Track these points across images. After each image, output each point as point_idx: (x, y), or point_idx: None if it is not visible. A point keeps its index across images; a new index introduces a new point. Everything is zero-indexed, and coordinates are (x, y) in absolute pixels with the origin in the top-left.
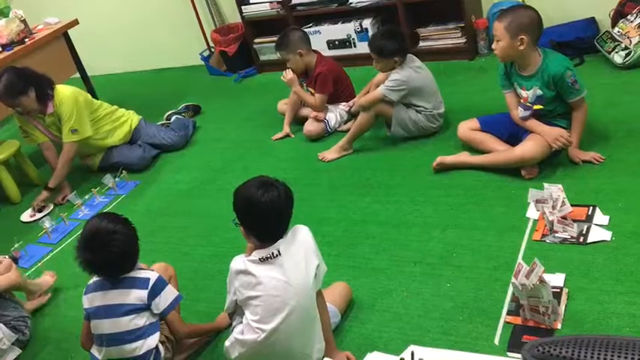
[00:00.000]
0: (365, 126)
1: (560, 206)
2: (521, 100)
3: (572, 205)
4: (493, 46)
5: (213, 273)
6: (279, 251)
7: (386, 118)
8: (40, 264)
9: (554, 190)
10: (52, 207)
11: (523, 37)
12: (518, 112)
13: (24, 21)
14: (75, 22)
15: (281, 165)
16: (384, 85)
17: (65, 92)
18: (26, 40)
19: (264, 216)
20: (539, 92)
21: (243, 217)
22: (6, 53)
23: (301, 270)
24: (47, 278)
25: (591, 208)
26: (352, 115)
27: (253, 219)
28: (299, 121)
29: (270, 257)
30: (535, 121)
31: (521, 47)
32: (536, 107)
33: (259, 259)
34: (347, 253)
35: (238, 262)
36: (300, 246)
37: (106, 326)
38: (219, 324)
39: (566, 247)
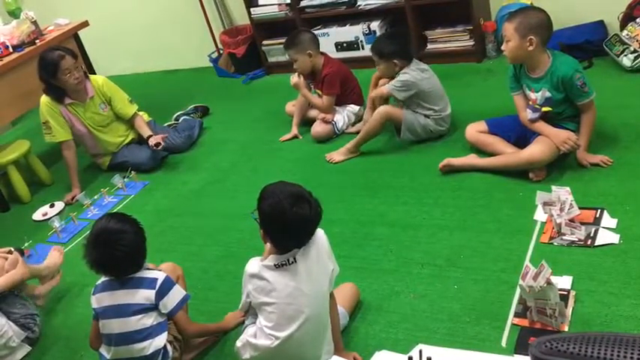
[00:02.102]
0: (373, 132)
1: (568, 209)
2: (530, 102)
3: (580, 208)
4: (502, 47)
5: (222, 273)
6: (295, 258)
7: (395, 123)
8: None
9: (562, 192)
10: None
11: (532, 37)
12: (527, 114)
13: (35, 22)
14: (85, 24)
15: (289, 166)
16: (391, 83)
17: (100, 77)
18: (37, 41)
19: (290, 230)
20: (548, 94)
21: (268, 224)
22: (17, 54)
23: (316, 277)
24: (55, 255)
25: (599, 210)
26: (360, 118)
27: (278, 230)
28: (307, 123)
29: (286, 264)
30: (543, 123)
31: (530, 48)
32: (544, 109)
33: (274, 264)
34: (354, 254)
35: (253, 266)
36: (316, 252)
37: (114, 326)
38: (227, 324)
39: (573, 250)
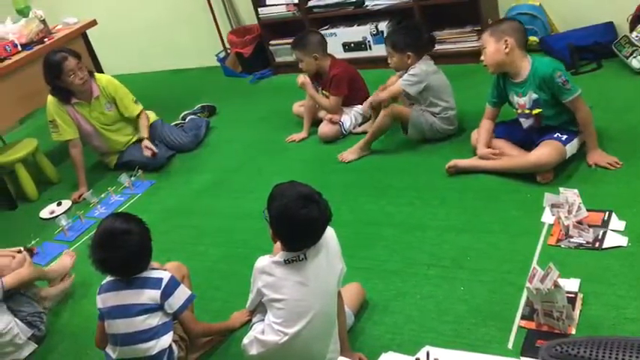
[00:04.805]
0: (383, 128)
1: (576, 211)
2: (519, 110)
3: (587, 210)
4: (482, 58)
5: (227, 272)
6: (305, 255)
7: (402, 120)
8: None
9: (570, 194)
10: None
11: (507, 39)
12: (522, 124)
13: (43, 21)
14: (93, 23)
15: (295, 166)
16: (403, 79)
17: (104, 76)
18: (45, 39)
19: (298, 231)
20: (535, 96)
21: (277, 225)
22: (26, 52)
23: (325, 275)
24: (66, 260)
25: (607, 213)
26: (367, 118)
27: (287, 231)
28: (314, 123)
29: (296, 260)
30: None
31: (507, 50)
32: (535, 112)
33: (284, 260)
34: (360, 254)
35: (263, 262)
36: (325, 250)
37: (119, 326)
38: (233, 323)
39: (581, 252)
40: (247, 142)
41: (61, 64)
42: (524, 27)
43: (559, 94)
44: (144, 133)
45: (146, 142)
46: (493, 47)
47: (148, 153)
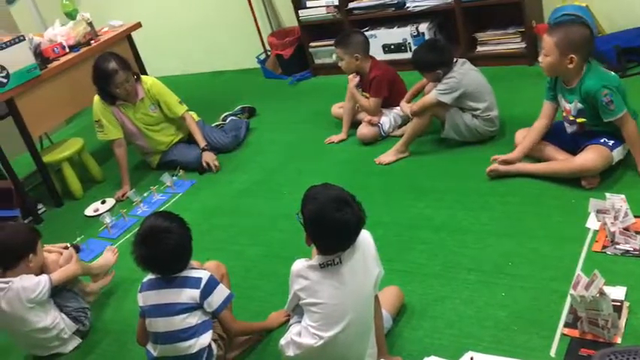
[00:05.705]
0: (421, 129)
1: (623, 217)
2: (565, 113)
3: (635, 217)
4: (540, 59)
5: (265, 272)
6: (340, 259)
7: (440, 118)
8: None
9: (617, 200)
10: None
11: (573, 56)
12: (566, 128)
13: (90, 24)
14: (138, 25)
15: (333, 167)
16: (436, 89)
17: (149, 78)
18: (92, 42)
19: (331, 234)
20: (580, 106)
21: (310, 227)
22: (73, 54)
23: (361, 279)
24: (108, 256)
25: None
26: (406, 120)
27: (320, 234)
28: (353, 124)
29: (331, 264)
30: None
31: (571, 66)
32: (579, 121)
33: (319, 264)
34: (399, 257)
35: (298, 266)
36: (361, 254)
37: (160, 325)
38: (271, 323)
39: (628, 260)
40: (286, 142)
41: (112, 77)
42: (592, 35)
43: (601, 112)
44: (201, 140)
45: (208, 158)
46: (555, 59)
47: (210, 166)
